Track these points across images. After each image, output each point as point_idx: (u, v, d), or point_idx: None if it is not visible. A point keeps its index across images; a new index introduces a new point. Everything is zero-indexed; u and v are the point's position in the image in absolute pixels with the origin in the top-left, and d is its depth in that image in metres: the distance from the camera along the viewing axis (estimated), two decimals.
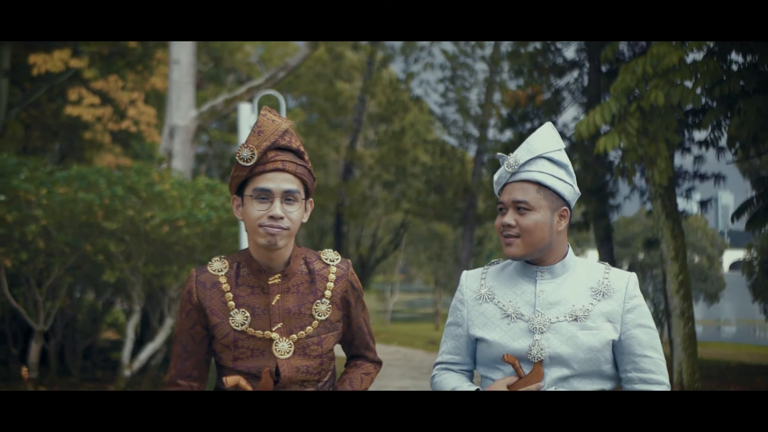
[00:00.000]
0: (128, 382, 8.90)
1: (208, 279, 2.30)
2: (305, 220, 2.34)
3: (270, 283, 2.28)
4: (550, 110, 13.81)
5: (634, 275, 2.37)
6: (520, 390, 2.21)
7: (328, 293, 2.33)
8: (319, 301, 2.32)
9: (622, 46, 12.72)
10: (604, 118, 8.59)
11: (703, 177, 13.39)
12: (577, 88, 13.90)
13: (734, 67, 8.76)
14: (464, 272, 2.52)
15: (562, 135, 14.30)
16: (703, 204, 13.01)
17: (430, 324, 23.51)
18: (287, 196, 2.22)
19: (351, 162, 21.40)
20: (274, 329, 2.27)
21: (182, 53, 12.76)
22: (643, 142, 8.70)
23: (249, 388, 2.22)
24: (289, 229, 2.22)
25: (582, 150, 12.51)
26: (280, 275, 2.29)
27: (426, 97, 22.01)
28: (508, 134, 14.43)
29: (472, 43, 20.66)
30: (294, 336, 2.27)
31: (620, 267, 27.69)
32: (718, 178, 12.98)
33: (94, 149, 17.95)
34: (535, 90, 13.60)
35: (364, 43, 20.06)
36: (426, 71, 21.35)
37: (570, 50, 12.92)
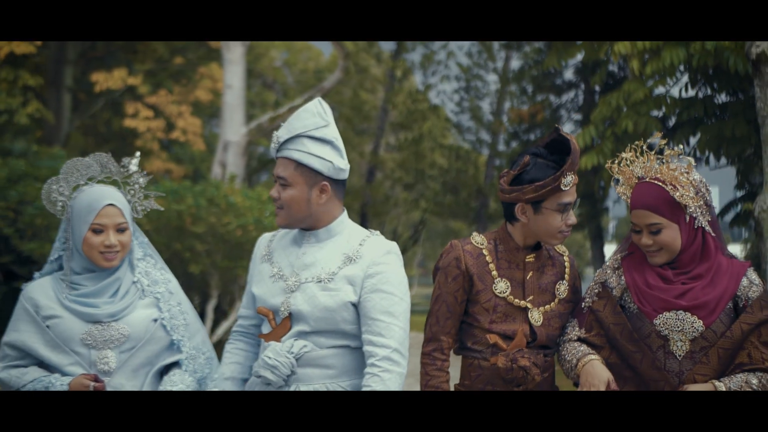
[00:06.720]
0: None
1: (473, 250, 2.56)
2: None
3: (527, 260, 2.57)
4: (549, 126, 15.75)
5: (393, 245, 2.52)
6: (273, 341, 2.45)
7: (566, 276, 2.63)
8: (560, 281, 2.61)
9: (612, 67, 14.65)
10: (585, 141, 10.63)
11: None
12: (573, 107, 15.86)
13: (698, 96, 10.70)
14: (263, 234, 2.69)
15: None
16: None
17: None
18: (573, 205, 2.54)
19: (374, 166, 22.43)
20: (527, 300, 2.55)
21: (234, 78, 14.78)
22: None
23: (504, 346, 2.50)
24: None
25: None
26: (534, 255, 2.58)
27: (443, 105, 23.50)
28: (513, 144, 16.33)
29: (485, 56, 22.44)
30: (542, 308, 2.56)
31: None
32: None
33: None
34: (536, 108, 15.59)
35: (386, 52, 21.63)
36: (443, 83, 22.75)
37: (568, 72, 14.71)
